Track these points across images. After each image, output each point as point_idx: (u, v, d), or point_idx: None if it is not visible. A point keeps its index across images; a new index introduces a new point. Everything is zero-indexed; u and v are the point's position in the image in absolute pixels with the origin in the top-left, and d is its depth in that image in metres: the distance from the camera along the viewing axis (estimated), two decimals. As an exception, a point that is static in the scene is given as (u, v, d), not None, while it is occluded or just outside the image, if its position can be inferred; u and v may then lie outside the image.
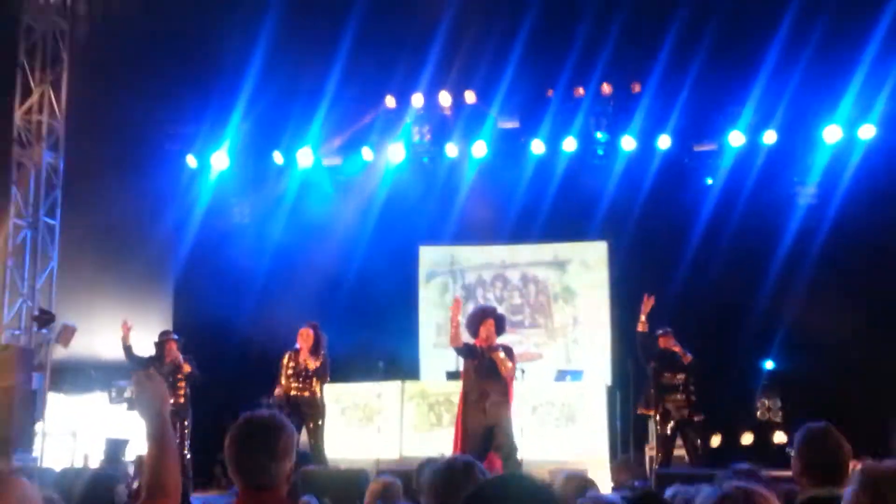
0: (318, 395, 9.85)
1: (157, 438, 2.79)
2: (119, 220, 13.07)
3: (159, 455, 2.76)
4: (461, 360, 11.11)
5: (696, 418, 10.07)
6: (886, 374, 11.37)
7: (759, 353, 12.10)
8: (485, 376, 8.77)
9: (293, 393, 9.81)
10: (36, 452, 11.23)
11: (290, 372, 9.90)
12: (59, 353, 12.65)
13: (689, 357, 10.04)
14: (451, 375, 11.45)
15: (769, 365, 12.11)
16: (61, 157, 13.36)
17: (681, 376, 10.07)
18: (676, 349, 10.07)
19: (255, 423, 3.01)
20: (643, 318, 9.98)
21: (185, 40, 13.13)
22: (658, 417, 10.12)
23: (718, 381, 10.92)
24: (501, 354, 8.71)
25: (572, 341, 13.42)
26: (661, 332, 10.18)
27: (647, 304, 10.01)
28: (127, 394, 11.99)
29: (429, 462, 5.66)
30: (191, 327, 12.25)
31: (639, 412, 10.68)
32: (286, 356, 10.01)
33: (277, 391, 9.94)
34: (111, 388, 12.43)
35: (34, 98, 13.21)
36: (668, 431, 10.06)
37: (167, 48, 13.04)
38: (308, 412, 9.81)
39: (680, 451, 10.26)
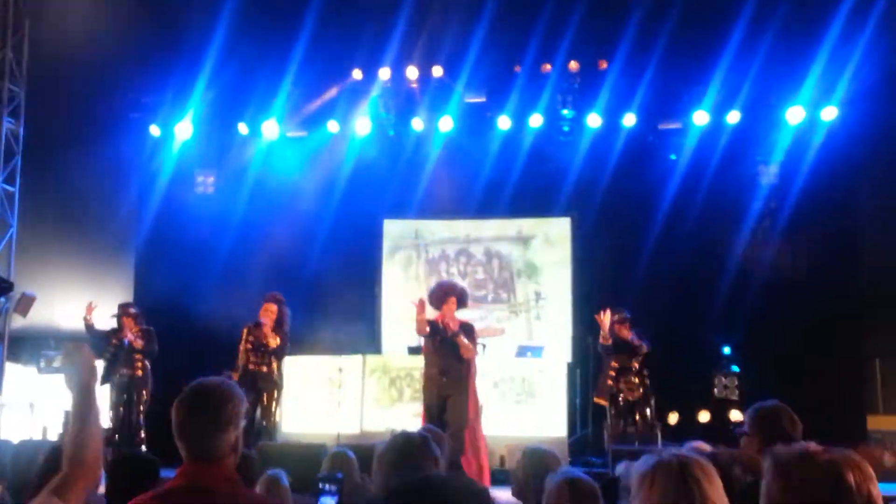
0: (276, 370, 9.89)
1: (81, 412, 2.77)
2: (80, 189, 12.93)
3: (81, 428, 2.75)
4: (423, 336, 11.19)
5: (651, 399, 10.23)
6: (844, 353, 11.56)
7: (718, 331, 12.23)
8: (443, 354, 8.91)
9: (251, 367, 9.84)
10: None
11: (248, 346, 9.92)
12: (17, 322, 12.53)
13: (644, 348, 10.16)
14: (413, 350, 11.49)
15: (727, 350, 12.24)
16: (22, 123, 13.17)
17: (635, 359, 10.21)
18: (629, 339, 10.18)
19: (202, 389, 2.96)
20: (605, 332, 10.07)
21: (150, 8, 12.96)
22: (611, 400, 10.27)
23: (677, 358, 11.05)
24: (463, 339, 8.80)
25: (534, 317, 13.48)
26: (617, 318, 10.26)
27: (605, 318, 10.08)
28: (56, 363, 11.87)
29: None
30: (152, 298, 12.20)
31: (595, 401, 10.81)
32: (245, 328, 10.03)
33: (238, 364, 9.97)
34: (39, 357, 12.30)
35: (-6, 63, 13.00)
36: (621, 411, 10.22)
37: (131, 15, 12.87)
38: (264, 387, 9.84)
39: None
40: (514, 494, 4.69)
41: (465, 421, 8.75)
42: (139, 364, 10.44)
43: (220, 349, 11.87)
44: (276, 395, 9.92)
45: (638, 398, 10.15)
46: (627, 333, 10.21)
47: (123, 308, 10.76)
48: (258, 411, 9.97)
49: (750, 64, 12.18)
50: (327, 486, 6.81)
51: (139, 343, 10.47)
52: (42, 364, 11.49)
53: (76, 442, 2.73)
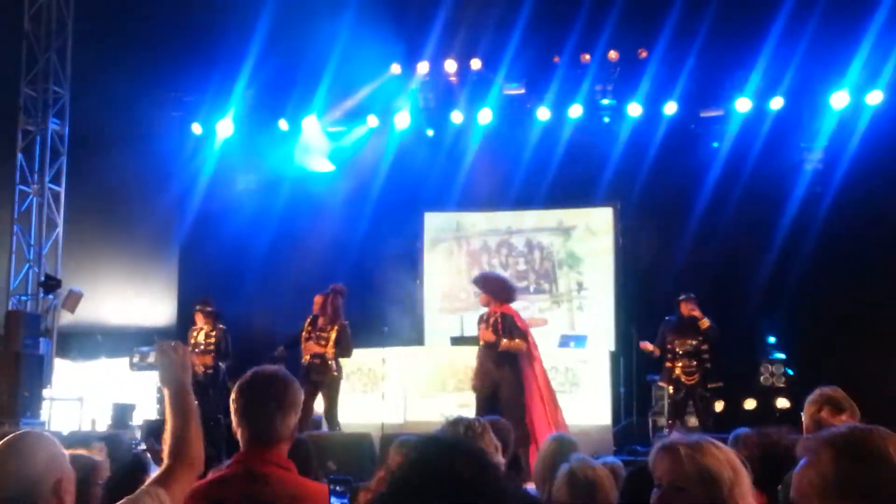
0: (332, 362, 9.90)
1: (180, 408, 2.82)
2: (124, 187, 13.09)
3: (182, 425, 2.80)
4: (465, 326, 11.21)
5: (709, 385, 10.06)
6: (890, 338, 11.38)
7: (764, 318, 12.10)
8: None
9: (307, 359, 9.90)
10: (43, 418, 11.30)
11: (306, 336, 10.00)
12: (65, 318, 12.71)
13: (706, 322, 10.04)
14: (455, 341, 11.49)
15: (772, 339, 12.11)
16: (66, 124, 13.36)
17: (692, 342, 10.06)
18: (696, 314, 10.08)
19: (263, 375, 3.03)
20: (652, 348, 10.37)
21: (190, 6, 13.07)
22: (670, 384, 10.16)
23: (722, 345, 10.93)
24: (505, 341, 8.74)
25: (577, 307, 13.43)
26: (683, 297, 10.22)
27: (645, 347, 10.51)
28: (150, 360, 12.01)
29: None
30: (196, 293, 12.27)
31: (659, 383, 10.76)
32: (307, 320, 10.12)
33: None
34: (133, 353, 12.41)
35: (39, 65, 13.19)
36: (679, 398, 10.08)
37: (172, 14, 12.99)
38: (319, 379, 9.86)
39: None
40: (535, 483, 4.67)
41: (521, 410, 8.68)
42: (209, 361, 10.67)
43: (263, 343, 11.97)
44: (334, 386, 9.94)
45: (693, 383, 10.02)
46: (695, 310, 10.13)
47: (197, 304, 11.02)
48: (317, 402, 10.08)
49: (793, 49, 12.01)
50: (338, 488, 6.75)
51: (205, 341, 10.78)
52: (136, 360, 11.68)
53: (178, 436, 2.78)
